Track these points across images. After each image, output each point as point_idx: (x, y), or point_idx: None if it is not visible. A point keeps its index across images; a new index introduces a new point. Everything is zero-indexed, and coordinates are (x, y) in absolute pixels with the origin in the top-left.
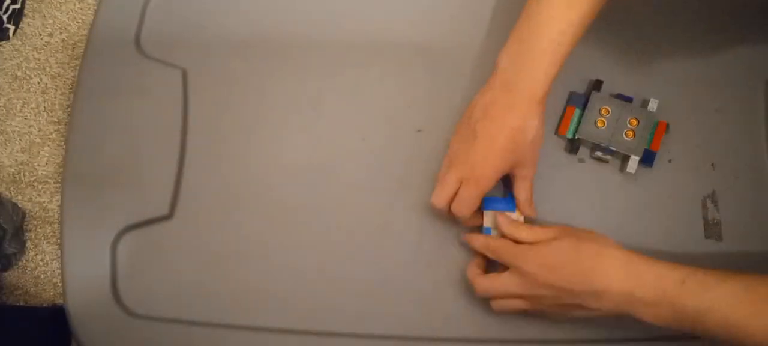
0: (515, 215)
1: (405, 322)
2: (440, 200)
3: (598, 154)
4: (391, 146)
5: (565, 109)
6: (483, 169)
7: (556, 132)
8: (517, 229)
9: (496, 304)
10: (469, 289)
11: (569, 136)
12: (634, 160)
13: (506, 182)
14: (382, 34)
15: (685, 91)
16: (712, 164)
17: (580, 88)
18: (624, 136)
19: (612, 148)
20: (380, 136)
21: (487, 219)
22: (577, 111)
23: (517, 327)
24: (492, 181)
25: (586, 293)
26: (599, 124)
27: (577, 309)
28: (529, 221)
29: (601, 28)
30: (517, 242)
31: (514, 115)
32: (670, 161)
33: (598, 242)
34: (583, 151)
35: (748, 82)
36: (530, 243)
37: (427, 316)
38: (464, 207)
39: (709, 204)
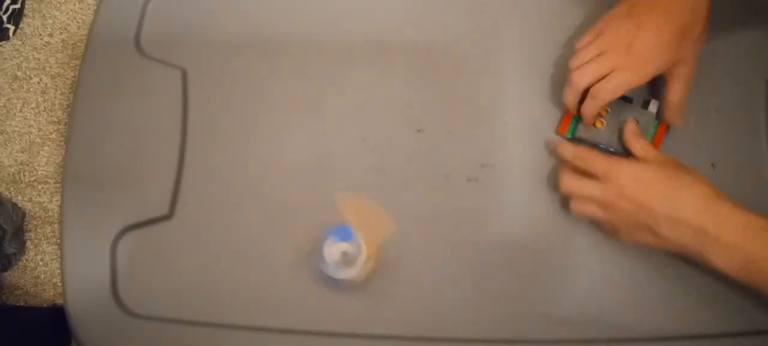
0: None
1: (405, 322)
2: (585, 76)
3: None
4: (391, 146)
5: (565, 109)
6: (645, 61)
7: (556, 131)
8: (636, 140)
9: (575, 204)
10: (469, 289)
11: (567, 135)
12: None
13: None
14: (382, 34)
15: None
16: (712, 164)
17: None
18: (623, 136)
19: (610, 149)
20: (380, 136)
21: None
22: None
23: (517, 327)
24: (650, 76)
25: (665, 218)
26: (598, 124)
27: (649, 234)
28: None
29: None
30: (630, 152)
31: (685, 7)
32: None
33: (694, 175)
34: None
35: (748, 82)
36: (634, 158)
37: (427, 316)
38: (611, 94)
39: None
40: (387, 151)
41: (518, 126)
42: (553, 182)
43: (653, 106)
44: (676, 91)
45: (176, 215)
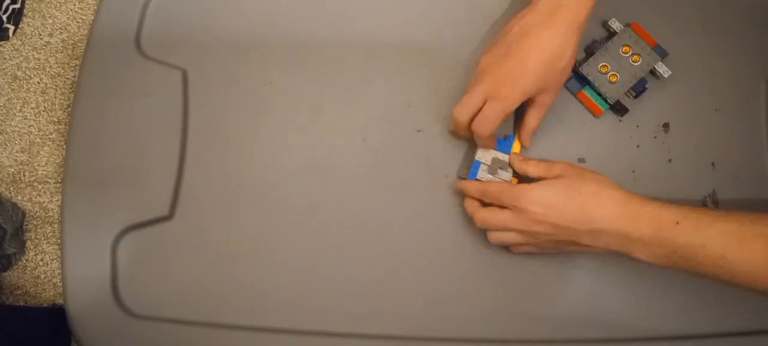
0: (508, 158)
1: (405, 322)
2: (464, 113)
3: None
4: (391, 146)
5: (578, 98)
6: (511, 88)
7: (595, 115)
8: (525, 164)
9: (493, 236)
10: (469, 289)
11: (606, 107)
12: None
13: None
14: (382, 34)
15: (685, 91)
16: (712, 164)
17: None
18: (632, 63)
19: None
20: (380, 136)
21: (481, 153)
22: (586, 88)
23: (517, 327)
24: (517, 101)
25: (583, 232)
26: (612, 79)
27: (572, 246)
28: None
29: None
30: (524, 177)
31: (551, 39)
32: (670, 161)
33: (598, 181)
34: (590, 120)
35: (748, 82)
36: (533, 180)
37: (427, 316)
38: (486, 125)
39: (710, 204)
40: (387, 151)
41: (518, 125)
42: None
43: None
44: (533, 117)
45: (176, 215)
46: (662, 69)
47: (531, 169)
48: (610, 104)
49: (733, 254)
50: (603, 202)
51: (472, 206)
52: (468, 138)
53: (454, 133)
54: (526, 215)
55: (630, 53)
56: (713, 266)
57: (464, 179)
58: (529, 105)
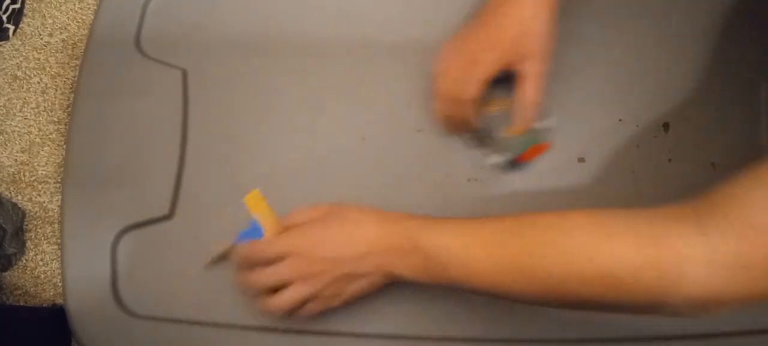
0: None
1: (405, 321)
2: (445, 80)
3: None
4: (391, 146)
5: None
6: (486, 53)
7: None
8: (291, 215)
9: (275, 301)
10: None
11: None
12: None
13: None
14: (382, 34)
15: (685, 91)
16: (712, 164)
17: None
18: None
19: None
20: (380, 136)
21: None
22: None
23: (517, 327)
24: (493, 66)
25: (353, 258)
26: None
27: (350, 281)
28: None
29: (603, 31)
30: (289, 227)
31: (522, 6)
32: (670, 161)
33: (359, 210)
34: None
35: (748, 82)
36: (297, 226)
37: (427, 315)
38: (467, 88)
39: None
40: (387, 151)
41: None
42: (554, 182)
43: (548, 123)
44: (529, 88)
45: (176, 215)
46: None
47: (298, 217)
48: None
49: (473, 255)
50: (365, 224)
51: (242, 275)
52: (455, 124)
53: (447, 127)
54: (301, 257)
55: None
56: (458, 270)
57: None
58: (519, 81)
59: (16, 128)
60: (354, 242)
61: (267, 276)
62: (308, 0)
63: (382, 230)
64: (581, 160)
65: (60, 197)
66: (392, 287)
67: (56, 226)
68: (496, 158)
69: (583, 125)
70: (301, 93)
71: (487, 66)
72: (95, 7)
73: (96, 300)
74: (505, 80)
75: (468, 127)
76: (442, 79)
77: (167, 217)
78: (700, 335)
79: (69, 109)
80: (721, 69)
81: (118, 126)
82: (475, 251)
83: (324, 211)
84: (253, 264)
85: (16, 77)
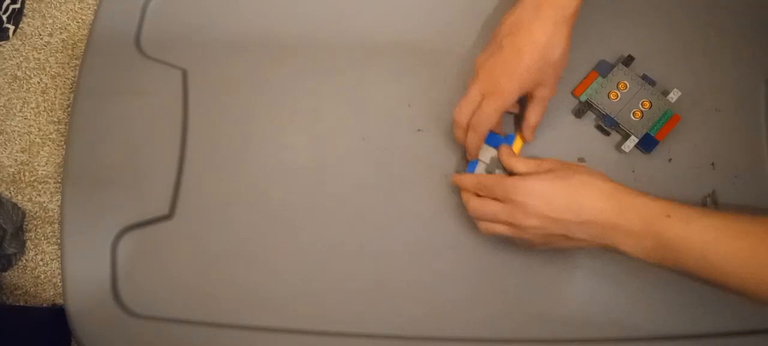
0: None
1: (405, 322)
2: (463, 113)
3: (601, 124)
4: (391, 146)
5: (588, 73)
6: (506, 83)
7: (573, 92)
8: (515, 161)
9: (483, 225)
10: (469, 289)
11: (582, 98)
12: (631, 140)
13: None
14: (382, 34)
15: (686, 90)
16: (712, 164)
17: (613, 60)
18: (631, 115)
19: (616, 121)
20: (380, 136)
21: (482, 152)
22: (599, 78)
23: (517, 327)
24: (513, 96)
25: (573, 224)
26: (612, 96)
27: (563, 240)
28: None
29: (603, 33)
30: (511, 173)
31: (541, 31)
32: (670, 160)
33: (588, 173)
34: (589, 117)
35: (748, 82)
36: (523, 175)
37: (427, 316)
38: (484, 121)
39: (710, 203)
40: (387, 151)
41: (517, 125)
42: None
43: (673, 96)
44: (534, 113)
45: (176, 215)
46: (672, 96)
47: (520, 165)
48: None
49: (720, 247)
50: (592, 192)
51: (466, 195)
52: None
53: (458, 140)
54: (517, 207)
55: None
56: (696, 260)
57: (461, 173)
58: (528, 101)
59: (16, 128)
60: (577, 208)
61: (485, 210)
62: (309, 0)
63: (610, 204)
64: (581, 160)
65: (60, 197)
66: (393, 287)
67: (56, 226)
68: (632, 142)
69: (582, 126)
70: (301, 93)
71: (505, 98)
72: (95, 7)
73: (96, 300)
74: None
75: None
76: (460, 113)
77: (167, 217)
78: (700, 335)
79: (69, 109)
80: (721, 69)
81: (118, 126)
82: (721, 247)
83: (552, 165)
84: (481, 191)
85: (16, 77)
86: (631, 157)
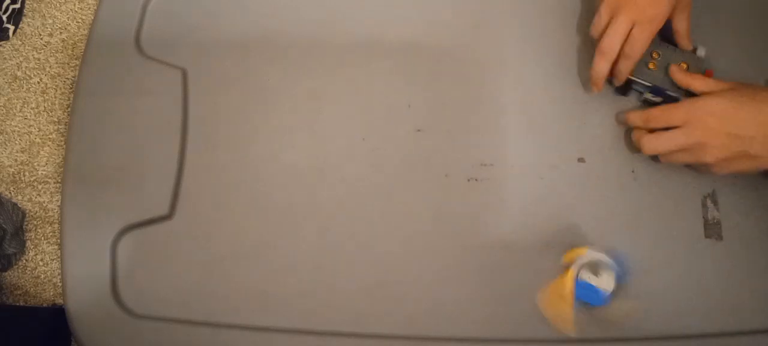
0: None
1: (405, 322)
2: (613, 43)
3: (649, 96)
4: (391, 146)
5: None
6: (655, 8)
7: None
8: (692, 79)
9: (664, 159)
10: (469, 289)
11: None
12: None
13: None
14: (382, 34)
15: (686, 90)
16: None
17: None
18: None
19: (665, 90)
20: (380, 137)
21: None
22: None
23: (517, 327)
24: (664, 18)
25: (758, 138)
26: (651, 66)
27: (744, 159)
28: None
29: None
30: (691, 92)
31: None
32: None
33: (764, 89)
34: (633, 95)
35: (748, 82)
36: (702, 94)
37: (427, 316)
38: (638, 47)
39: (709, 203)
40: (387, 151)
41: (518, 125)
42: (553, 182)
43: (701, 51)
44: (682, 20)
45: (176, 215)
46: (701, 52)
47: (697, 83)
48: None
49: None
50: None
51: (638, 133)
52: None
53: (597, 70)
54: (698, 128)
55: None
56: None
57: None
58: (673, 15)
59: (16, 128)
60: (760, 121)
61: (661, 142)
62: (309, 0)
63: None
64: (581, 160)
65: (60, 197)
66: (393, 287)
67: (56, 226)
68: (675, 92)
69: (583, 125)
70: (301, 93)
71: (658, 23)
72: (95, 7)
73: (96, 300)
74: None
75: (621, 79)
76: (610, 42)
77: (167, 217)
78: (700, 335)
79: (69, 109)
80: (721, 69)
81: (118, 126)
82: None
83: (733, 85)
84: (652, 126)
85: (16, 77)
86: (631, 158)
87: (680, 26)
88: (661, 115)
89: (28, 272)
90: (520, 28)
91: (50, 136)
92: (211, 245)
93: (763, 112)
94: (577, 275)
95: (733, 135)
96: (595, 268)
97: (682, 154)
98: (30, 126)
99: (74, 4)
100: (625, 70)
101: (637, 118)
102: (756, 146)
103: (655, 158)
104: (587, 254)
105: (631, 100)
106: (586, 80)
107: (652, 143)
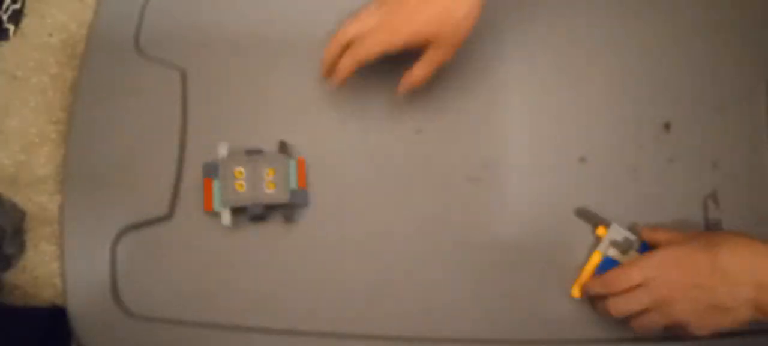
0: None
1: (405, 322)
2: (350, 32)
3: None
4: (391, 146)
5: (203, 182)
6: (402, 25)
7: (204, 209)
8: (656, 231)
9: (635, 323)
10: (469, 289)
11: (217, 208)
12: (226, 215)
13: None
14: None
15: (686, 90)
16: (713, 164)
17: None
18: (266, 189)
19: (261, 204)
20: (380, 136)
21: (606, 243)
22: (215, 181)
23: (518, 327)
24: (403, 39)
25: (719, 288)
26: (238, 187)
27: (715, 312)
28: None
29: (604, 31)
30: (654, 245)
31: None
32: (670, 161)
33: (734, 234)
34: (243, 217)
35: (748, 81)
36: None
37: (427, 316)
38: (367, 48)
39: (710, 203)
40: (387, 151)
41: (518, 125)
42: (553, 182)
43: (286, 158)
44: (419, 68)
45: (176, 215)
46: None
47: (661, 235)
48: None
49: None
50: (738, 250)
51: (600, 303)
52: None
53: (327, 56)
54: (659, 283)
55: None
56: None
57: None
58: (421, 56)
59: (16, 128)
60: (721, 269)
61: (628, 302)
62: (308, 0)
63: (759, 261)
64: (582, 160)
65: (59, 197)
66: (393, 287)
67: (56, 226)
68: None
69: (584, 125)
70: (300, 93)
71: (396, 38)
72: (95, 7)
73: (96, 300)
74: None
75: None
76: (353, 25)
77: (167, 217)
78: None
79: (68, 109)
80: (721, 69)
81: (117, 126)
82: None
83: (692, 235)
84: (613, 291)
85: (15, 77)
86: (631, 158)
87: (415, 72)
88: (618, 276)
89: (28, 272)
90: (520, 28)
91: (50, 137)
92: (211, 246)
93: (718, 260)
94: (605, 253)
95: (696, 285)
96: (622, 246)
97: (653, 315)
98: (29, 126)
99: (74, 4)
100: (344, 65)
101: (595, 285)
102: (720, 296)
103: (656, 159)
104: (613, 230)
105: (629, 116)
106: (587, 80)
107: (619, 306)
